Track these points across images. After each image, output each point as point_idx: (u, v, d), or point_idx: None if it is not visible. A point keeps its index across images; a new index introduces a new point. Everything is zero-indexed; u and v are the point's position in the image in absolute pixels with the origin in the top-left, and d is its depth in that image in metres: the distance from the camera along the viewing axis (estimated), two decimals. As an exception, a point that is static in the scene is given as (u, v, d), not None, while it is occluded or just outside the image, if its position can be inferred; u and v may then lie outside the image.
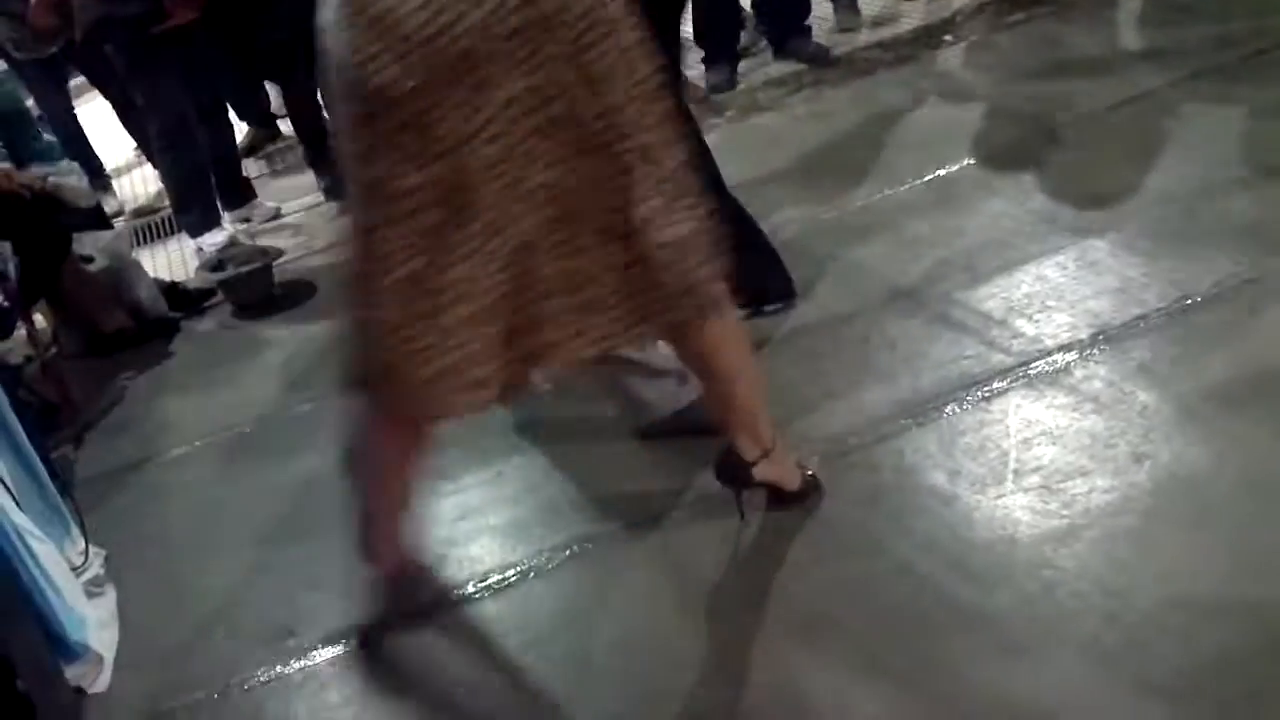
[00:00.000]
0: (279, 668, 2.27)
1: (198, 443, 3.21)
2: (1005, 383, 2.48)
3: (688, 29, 4.81)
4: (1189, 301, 2.57)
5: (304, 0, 1.81)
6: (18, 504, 2.33)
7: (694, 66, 4.79)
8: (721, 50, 4.76)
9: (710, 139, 4.27)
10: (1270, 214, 2.77)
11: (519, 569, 2.34)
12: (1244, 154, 3.15)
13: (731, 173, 3.91)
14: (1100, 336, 2.54)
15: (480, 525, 2.52)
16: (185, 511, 2.93)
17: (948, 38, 4.71)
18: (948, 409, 2.45)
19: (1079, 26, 4.41)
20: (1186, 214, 2.92)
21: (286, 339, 3.70)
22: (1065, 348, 2.53)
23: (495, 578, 2.34)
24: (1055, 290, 2.76)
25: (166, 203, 4.78)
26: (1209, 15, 4.04)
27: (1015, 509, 2.13)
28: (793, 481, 2.25)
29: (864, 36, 4.92)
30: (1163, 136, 3.39)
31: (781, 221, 3.47)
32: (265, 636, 2.35)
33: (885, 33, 4.90)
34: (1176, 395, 2.31)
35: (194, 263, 4.40)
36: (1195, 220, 2.88)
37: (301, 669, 2.25)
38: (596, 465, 2.59)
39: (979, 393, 2.47)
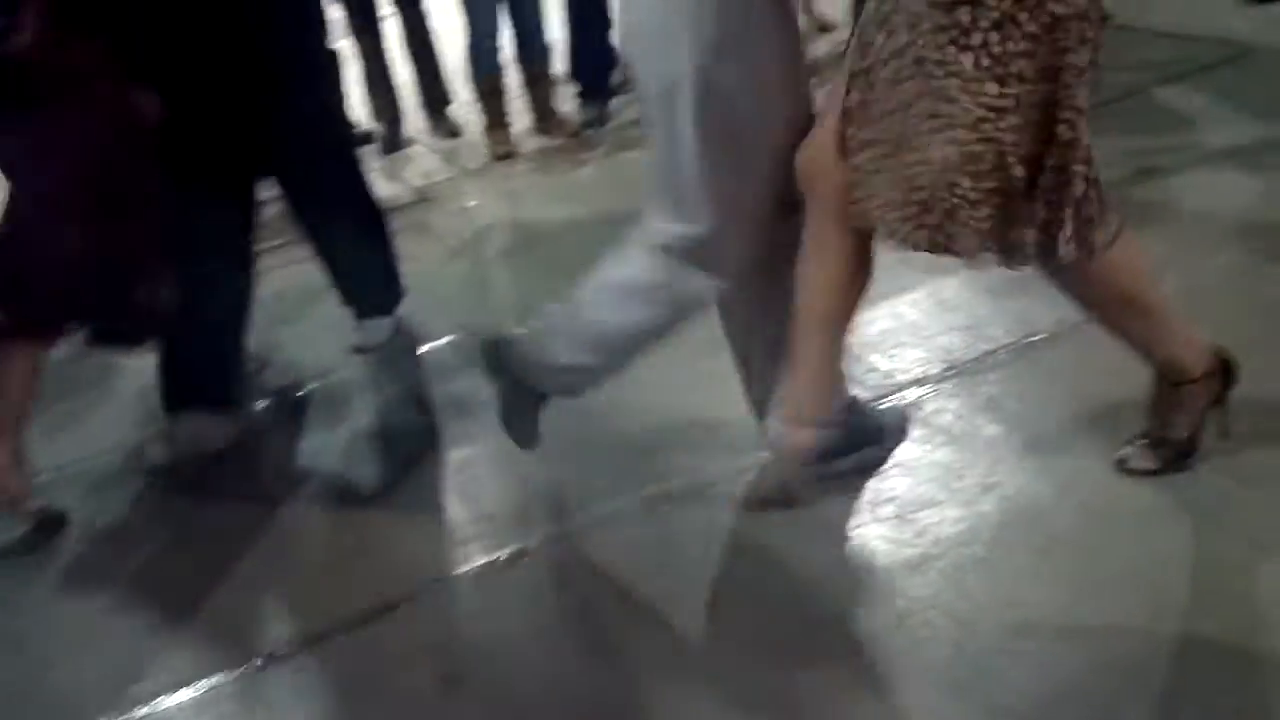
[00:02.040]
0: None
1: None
2: (862, 416, 2.55)
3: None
4: (1034, 338, 2.69)
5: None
6: None
7: (567, 102, 4.84)
8: (594, 86, 4.82)
9: (584, 174, 4.37)
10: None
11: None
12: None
13: (605, 206, 4.00)
14: (951, 371, 2.64)
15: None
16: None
17: (812, 80, 4.83)
18: (808, 444, 2.51)
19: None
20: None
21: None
22: (918, 382, 2.63)
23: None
24: (909, 327, 2.86)
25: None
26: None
27: (871, 539, 2.20)
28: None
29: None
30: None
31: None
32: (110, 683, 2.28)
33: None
34: (1022, 428, 2.41)
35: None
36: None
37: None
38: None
39: (837, 425, 2.54)
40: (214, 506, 2.74)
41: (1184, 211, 3.12)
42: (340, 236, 2.85)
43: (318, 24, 4.53)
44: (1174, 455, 2.20)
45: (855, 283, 2.08)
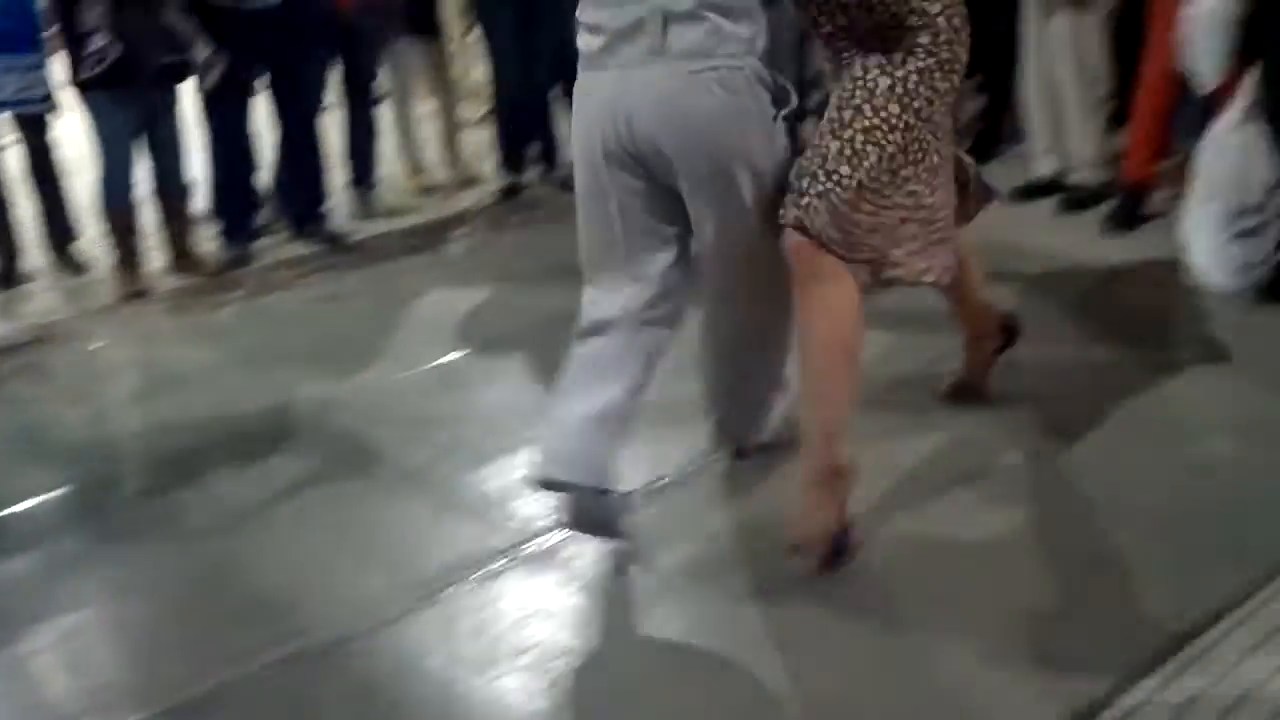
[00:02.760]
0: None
1: None
2: (502, 563, 2.63)
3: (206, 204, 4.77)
4: (663, 481, 2.87)
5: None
6: None
7: (207, 240, 4.75)
8: (237, 225, 4.76)
9: (223, 314, 4.28)
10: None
11: None
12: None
13: (244, 348, 3.93)
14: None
15: None
16: None
17: (456, 232, 5.02)
18: (448, 591, 2.55)
19: (568, 233, 4.84)
20: (659, 400, 3.24)
21: None
22: (557, 528, 2.73)
23: None
24: (549, 474, 2.97)
25: None
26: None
27: (508, 691, 2.24)
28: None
29: (380, 224, 5.12)
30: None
31: (294, 400, 3.52)
32: None
33: (401, 222, 5.14)
34: (655, 569, 2.55)
35: None
36: (667, 405, 3.21)
37: None
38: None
39: (478, 574, 2.60)
40: None
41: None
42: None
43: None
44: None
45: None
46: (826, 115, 2.48)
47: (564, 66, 5.54)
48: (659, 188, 2.51)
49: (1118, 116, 4.36)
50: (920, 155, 2.46)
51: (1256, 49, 3.38)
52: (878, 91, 2.41)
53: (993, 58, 4.87)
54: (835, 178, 2.40)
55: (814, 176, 2.41)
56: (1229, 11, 3.33)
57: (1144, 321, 3.50)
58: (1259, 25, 3.34)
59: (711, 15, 2.37)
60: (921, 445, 2.88)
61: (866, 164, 2.40)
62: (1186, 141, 4.17)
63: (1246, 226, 3.41)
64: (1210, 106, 3.73)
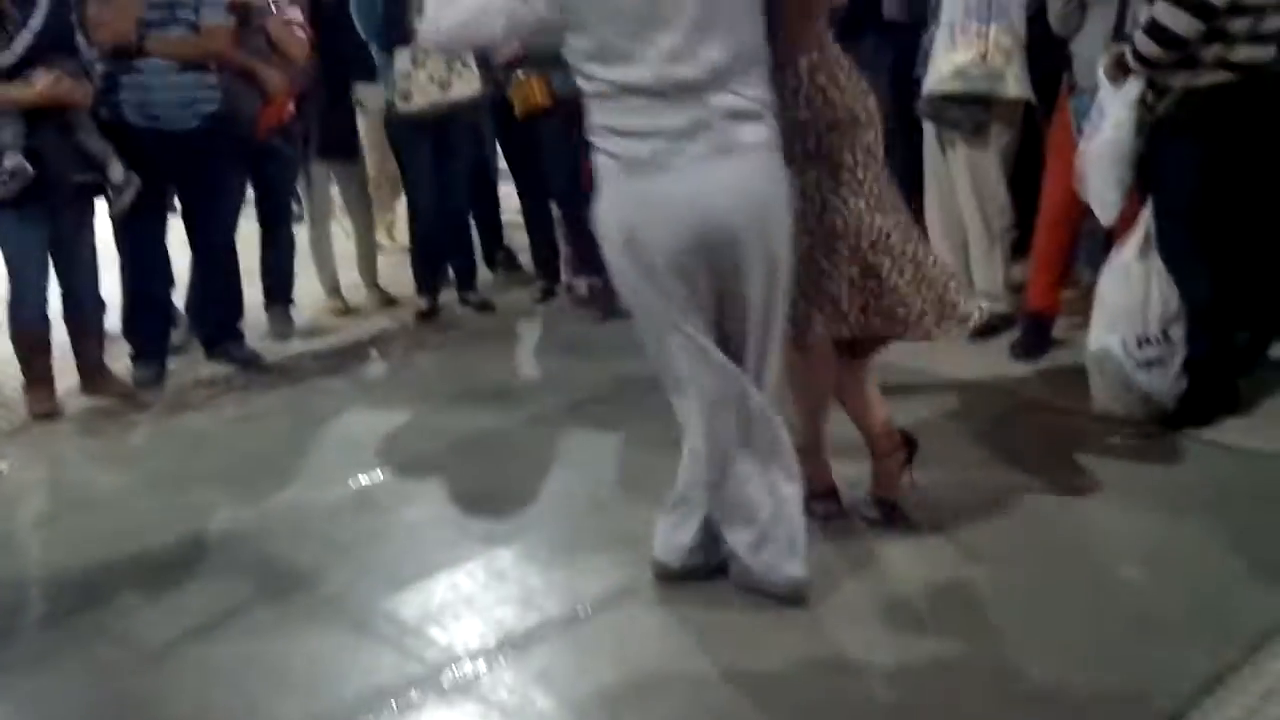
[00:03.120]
0: None
1: None
2: (420, 693, 2.59)
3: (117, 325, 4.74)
4: (580, 609, 2.87)
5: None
6: None
7: (119, 360, 4.69)
8: (149, 346, 4.71)
9: (136, 436, 4.21)
10: (642, 530, 3.16)
11: None
12: (621, 473, 3.62)
13: (157, 470, 3.87)
14: (506, 644, 2.75)
15: None
16: None
17: (373, 353, 5.02)
18: (364, 721, 2.51)
19: (485, 354, 4.93)
20: (576, 527, 3.29)
21: None
22: (474, 655, 2.71)
23: None
24: (466, 598, 2.96)
25: None
26: (596, 354, 4.66)
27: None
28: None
29: (296, 345, 5.10)
30: (557, 455, 3.84)
31: (207, 524, 3.46)
32: None
33: (317, 343, 5.12)
34: (572, 700, 2.54)
35: None
36: (584, 532, 3.25)
37: None
38: None
39: (395, 704, 2.56)
40: None
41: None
42: None
43: None
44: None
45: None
46: None
47: (481, 189, 5.71)
48: (707, 286, 2.66)
49: (1019, 245, 4.53)
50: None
51: (1149, 184, 3.54)
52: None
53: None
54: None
55: None
56: (1125, 146, 3.46)
57: (1052, 448, 3.59)
58: (1151, 160, 3.48)
59: (766, 112, 2.60)
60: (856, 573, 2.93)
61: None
62: (1088, 270, 4.37)
63: (1149, 357, 3.54)
64: (1110, 236, 3.91)
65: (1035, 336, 4.28)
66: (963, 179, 4.42)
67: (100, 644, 2.87)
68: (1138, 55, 3.42)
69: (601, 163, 2.65)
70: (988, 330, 4.43)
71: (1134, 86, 3.46)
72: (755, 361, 2.74)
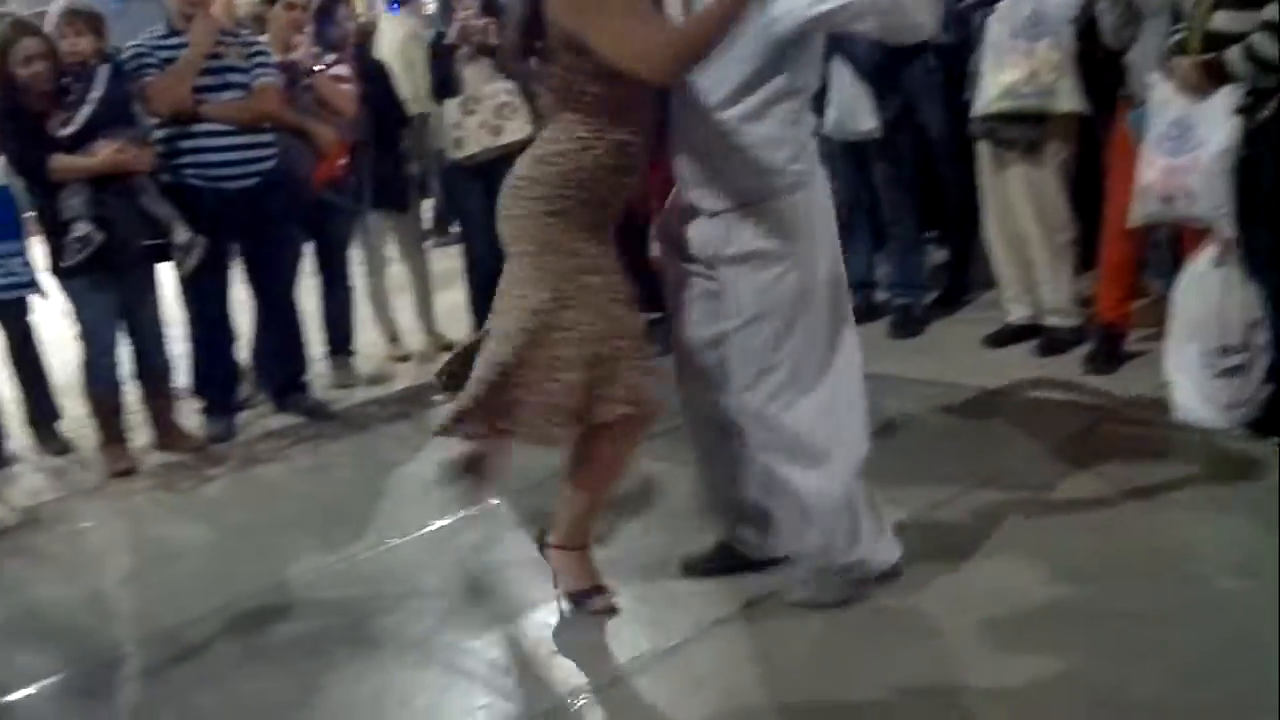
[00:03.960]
0: None
1: None
2: (517, 733, 2.60)
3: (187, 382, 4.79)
4: (672, 642, 2.84)
5: None
6: None
7: (191, 416, 4.75)
8: (219, 400, 4.77)
9: (211, 489, 4.26)
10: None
11: None
12: (696, 504, 3.59)
13: (236, 522, 3.91)
14: (601, 681, 2.74)
15: None
16: None
17: (437, 397, 5.04)
18: (466, 763, 2.52)
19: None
20: (660, 559, 3.24)
21: None
22: (571, 693, 2.70)
23: None
24: (555, 636, 2.95)
25: None
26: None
27: None
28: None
29: (360, 393, 5.15)
30: (632, 489, 3.77)
31: (290, 572, 3.49)
32: None
33: (380, 390, 5.17)
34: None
35: None
36: (668, 565, 3.19)
37: None
38: None
39: (495, 743, 2.56)
40: None
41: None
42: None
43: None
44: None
45: None
46: None
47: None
48: None
49: (1084, 257, 4.51)
50: None
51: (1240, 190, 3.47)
52: None
53: (951, 209, 5.10)
54: None
55: None
56: (1237, 155, 3.41)
57: (1136, 460, 3.54)
58: (1243, 166, 3.43)
59: None
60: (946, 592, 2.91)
61: None
62: (1156, 280, 4.34)
63: (1230, 365, 3.49)
64: (1178, 245, 3.88)
65: (1109, 349, 4.24)
66: (1022, 197, 4.41)
67: (199, 694, 2.89)
68: (1254, 58, 3.36)
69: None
70: (1059, 346, 4.41)
71: (1232, 95, 3.42)
72: None
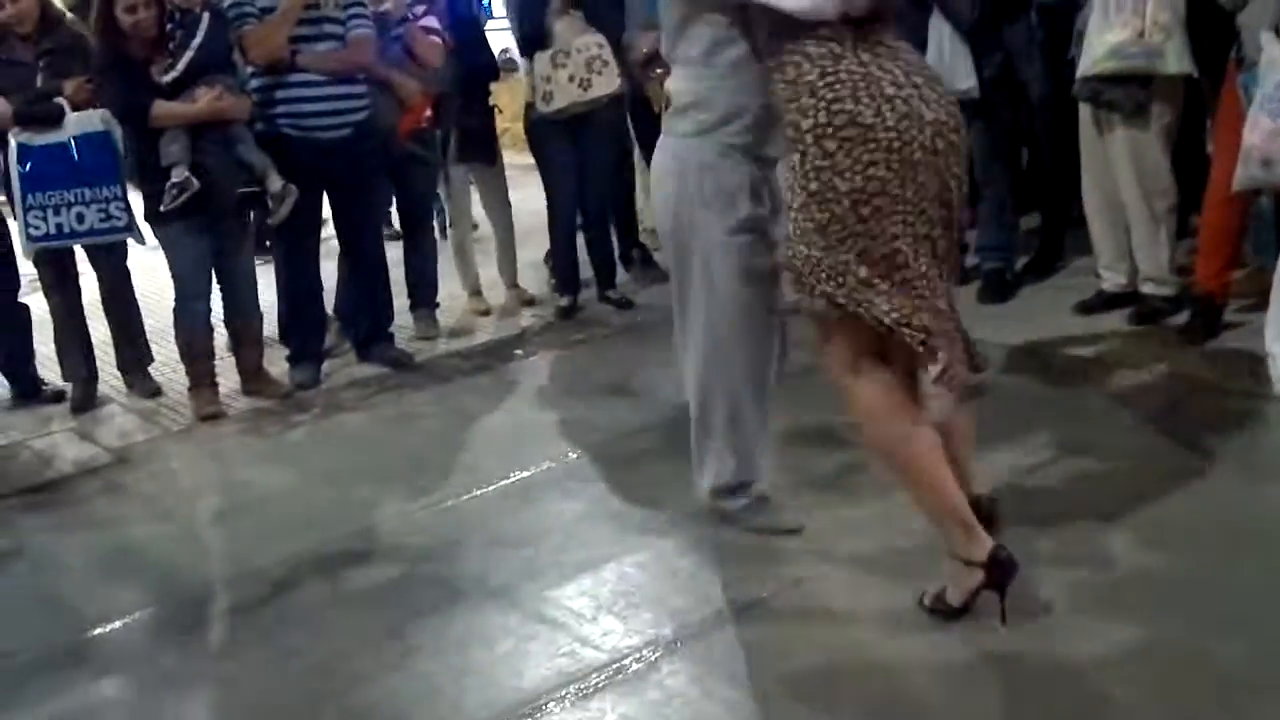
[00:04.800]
0: None
1: None
2: (600, 679, 2.60)
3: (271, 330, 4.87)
4: (755, 598, 2.84)
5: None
6: None
7: (277, 364, 4.81)
8: (306, 349, 4.83)
9: (296, 435, 4.32)
10: (807, 520, 3.15)
11: None
12: (780, 464, 3.55)
13: (320, 468, 3.96)
14: (684, 633, 2.74)
15: None
16: None
17: (519, 351, 5.07)
18: (549, 708, 2.53)
19: (627, 351, 4.92)
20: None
21: None
22: (652, 644, 2.71)
23: None
24: (638, 588, 2.96)
25: None
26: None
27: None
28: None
29: (443, 345, 5.19)
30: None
31: (374, 519, 3.53)
32: None
33: (462, 343, 5.20)
34: (755, 688, 2.52)
35: None
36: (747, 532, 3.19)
37: None
38: None
39: (576, 690, 2.57)
40: None
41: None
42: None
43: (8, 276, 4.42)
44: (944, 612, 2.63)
45: None
46: None
47: (619, 187, 5.73)
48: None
49: (1181, 225, 4.39)
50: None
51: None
52: None
53: (1047, 172, 4.98)
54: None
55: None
56: None
57: (1230, 431, 3.46)
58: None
59: None
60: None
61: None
62: (1258, 251, 4.21)
63: (1331, 338, 3.40)
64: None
65: (1206, 319, 4.13)
66: (1123, 160, 4.29)
67: (285, 634, 2.94)
68: None
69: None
70: (1154, 315, 4.30)
71: None
72: None
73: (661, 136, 3.00)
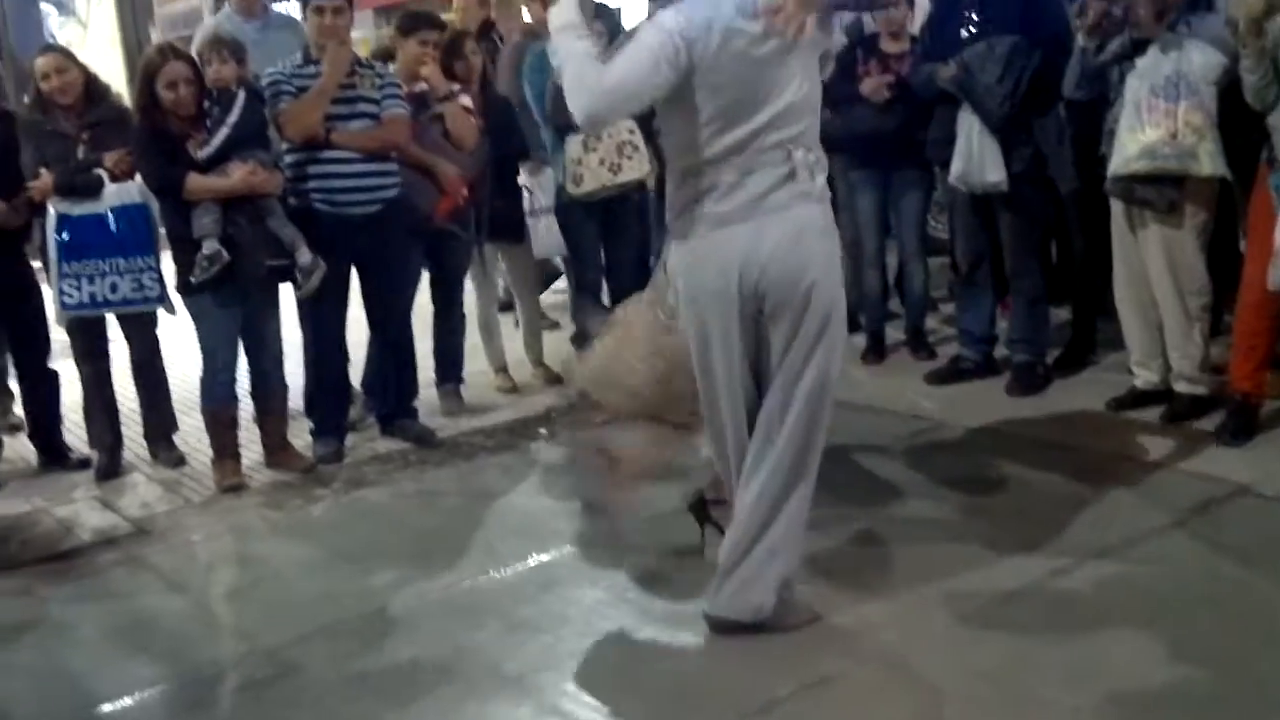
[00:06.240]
0: None
1: None
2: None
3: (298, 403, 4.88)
4: (780, 693, 2.77)
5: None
6: None
7: (300, 436, 4.81)
8: (330, 423, 4.83)
9: (317, 510, 4.30)
10: (833, 613, 3.11)
11: None
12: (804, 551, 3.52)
13: (340, 545, 3.94)
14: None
15: None
16: None
17: (543, 430, 5.05)
18: (559, 804, 2.47)
19: (654, 433, 4.82)
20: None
21: None
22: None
23: None
24: (658, 682, 2.90)
25: None
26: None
27: None
28: None
29: (465, 422, 5.17)
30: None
31: (391, 599, 3.50)
32: None
33: (486, 421, 5.18)
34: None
35: None
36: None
37: None
38: None
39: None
40: None
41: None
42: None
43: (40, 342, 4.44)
44: None
45: None
46: None
47: (641, 266, 5.75)
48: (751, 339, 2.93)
49: (1216, 323, 4.35)
50: None
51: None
52: None
53: (1077, 266, 4.96)
54: None
55: None
56: None
57: (1264, 540, 3.38)
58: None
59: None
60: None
61: None
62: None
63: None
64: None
65: (1241, 419, 4.07)
66: (1156, 258, 4.26)
67: (295, 714, 2.90)
68: None
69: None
70: (1186, 414, 4.24)
71: None
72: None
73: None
